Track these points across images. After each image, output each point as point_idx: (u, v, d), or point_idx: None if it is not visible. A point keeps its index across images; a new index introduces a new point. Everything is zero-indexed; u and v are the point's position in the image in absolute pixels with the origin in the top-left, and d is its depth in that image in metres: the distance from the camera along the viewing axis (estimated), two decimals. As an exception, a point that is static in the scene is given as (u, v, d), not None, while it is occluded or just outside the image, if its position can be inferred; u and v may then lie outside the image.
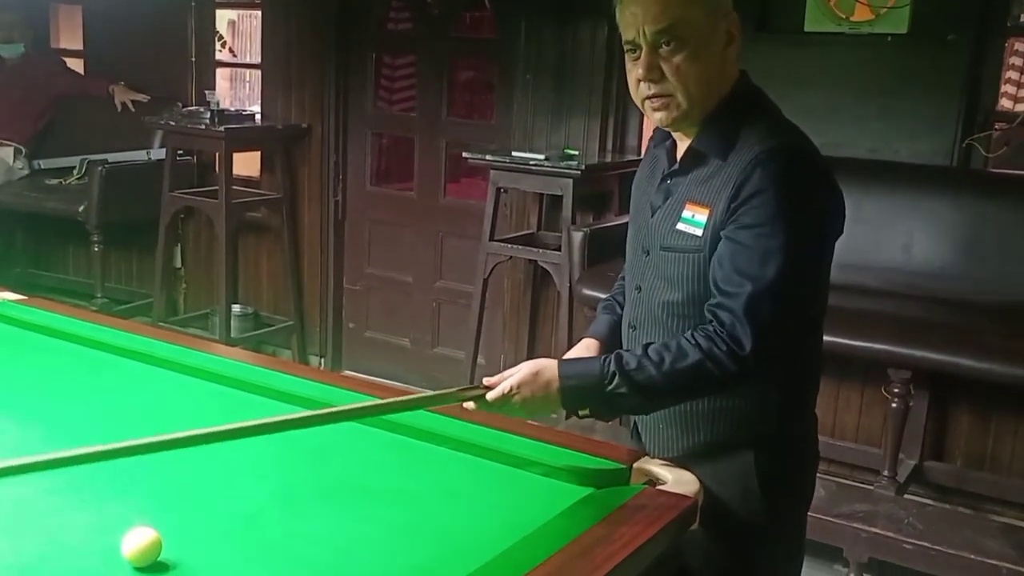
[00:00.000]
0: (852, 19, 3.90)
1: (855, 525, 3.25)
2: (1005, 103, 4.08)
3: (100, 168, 5.17)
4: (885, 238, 3.71)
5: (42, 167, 5.76)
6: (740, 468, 1.78)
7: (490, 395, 1.72)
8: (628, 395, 1.66)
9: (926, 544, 3.17)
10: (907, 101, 3.87)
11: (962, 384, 3.64)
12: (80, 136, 5.74)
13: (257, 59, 5.56)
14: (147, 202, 5.21)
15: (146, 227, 5.36)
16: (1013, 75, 4.38)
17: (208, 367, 2.25)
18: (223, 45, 6.02)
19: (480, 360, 4.60)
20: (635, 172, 2.04)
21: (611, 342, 1.98)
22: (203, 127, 4.99)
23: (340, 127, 5.22)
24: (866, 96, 3.94)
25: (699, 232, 1.72)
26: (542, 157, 4.15)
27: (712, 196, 1.71)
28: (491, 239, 4.32)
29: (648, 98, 1.73)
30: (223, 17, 5.93)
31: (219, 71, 5.82)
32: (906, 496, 3.53)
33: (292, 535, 1.56)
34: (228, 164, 4.96)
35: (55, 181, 5.56)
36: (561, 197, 4.15)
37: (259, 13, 5.42)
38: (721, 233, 1.68)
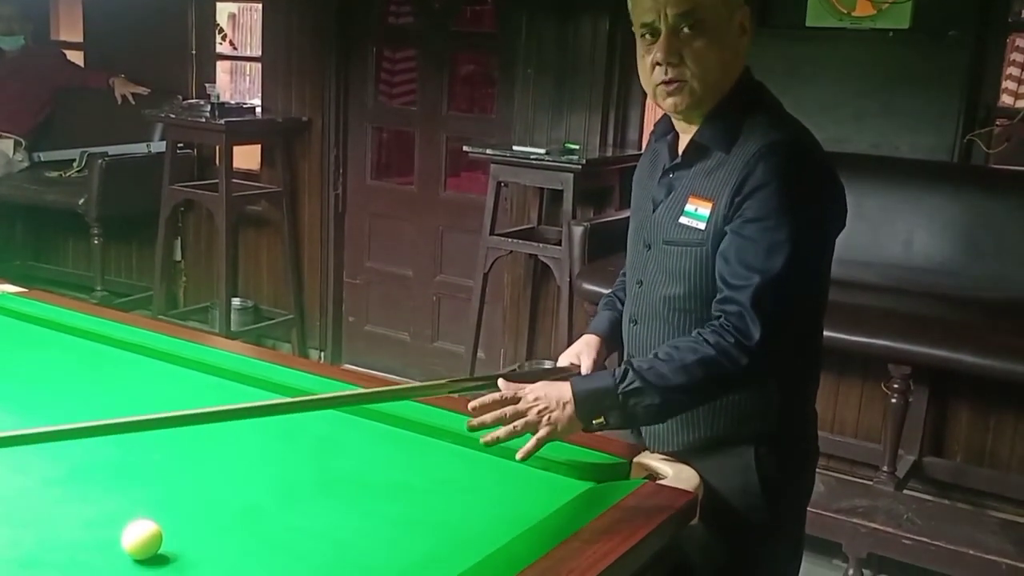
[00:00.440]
0: (854, 14, 3.90)
1: (854, 520, 3.25)
2: (1006, 99, 4.07)
3: (100, 161, 5.16)
4: (885, 234, 3.71)
5: (42, 160, 5.74)
6: (740, 463, 1.77)
7: (502, 382, 1.70)
8: (642, 392, 1.64)
9: (925, 540, 3.17)
10: (908, 97, 3.87)
11: (962, 380, 3.65)
12: (80, 129, 5.73)
13: (257, 51, 5.55)
14: (147, 195, 5.21)
15: (146, 220, 5.36)
16: (1014, 71, 4.36)
17: (208, 360, 2.25)
18: (223, 38, 6.00)
19: (480, 354, 4.60)
20: (636, 167, 2.04)
21: (612, 338, 1.98)
22: (203, 120, 4.98)
23: (340, 121, 5.21)
24: (867, 91, 3.93)
25: (702, 226, 1.72)
26: (543, 151, 4.14)
27: (715, 190, 1.71)
28: (491, 233, 4.32)
29: (663, 83, 1.73)
30: (223, 10, 5.91)
31: (219, 64, 5.80)
32: (905, 492, 3.54)
33: (292, 528, 1.57)
34: (228, 157, 4.95)
35: (55, 174, 5.55)
36: (562, 191, 4.15)
37: (259, 6, 5.41)
38: (725, 228, 1.68)
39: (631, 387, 1.64)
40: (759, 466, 1.77)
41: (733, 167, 1.69)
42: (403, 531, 1.58)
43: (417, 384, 1.82)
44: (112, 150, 5.35)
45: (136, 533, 1.41)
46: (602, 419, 1.69)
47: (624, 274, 2.04)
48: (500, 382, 1.72)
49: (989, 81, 3.86)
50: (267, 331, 5.49)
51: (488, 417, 1.64)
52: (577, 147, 4.27)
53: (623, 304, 2.00)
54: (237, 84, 7.18)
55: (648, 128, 4.53)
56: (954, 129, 3.82)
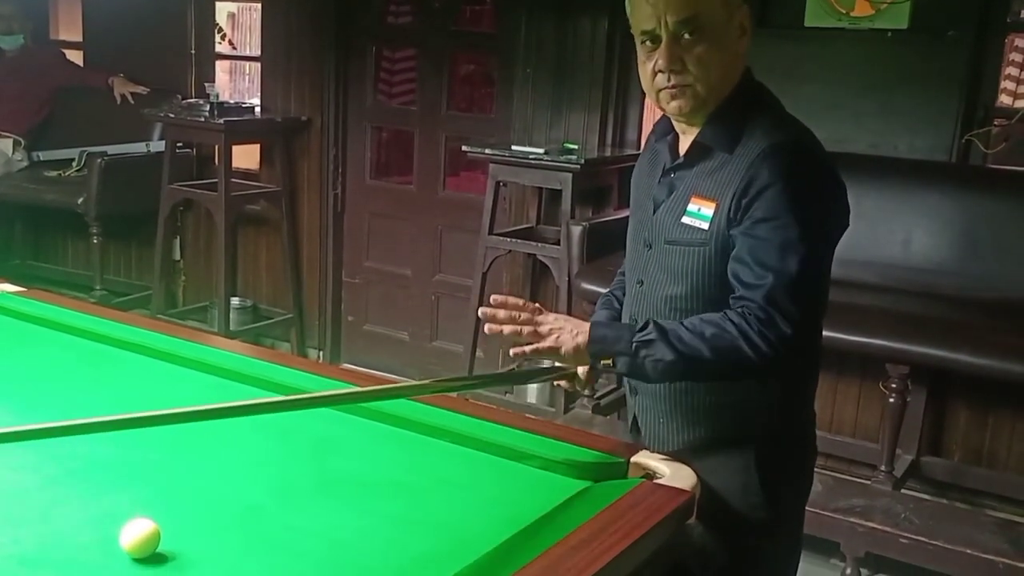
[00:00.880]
0: (852, 14, 3.90)
1: (852, 520, 3.26)
2: (1004, 99, 4.07)
3: (99, 160, 5.17)
4: (884, 234, 3.72)
5: (41, 159, 5.75)
6: (740, 462, 1.78)
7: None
8: (655, 344, 1.67)
9: (923, 539, 3.17)
10: (907, 97, 3.87)
11: (960, 380, 3.66)
12: (79, 128, 5.73)
13: (256, 51, 5.56)
14: (146, 194, 5.21)
15: (145, 219, 5.36)
16: (1013, 71, 4.36)
17: (207, 359, 2.25)
18: (223, 37, 6.00)
19: (479, 354, 4.60)
20: (634, 166, 2.04)
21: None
22: (202, 119, 4.98)
23: (340, 120, 5.22)
24: (866, 92, 3.94)
25: (705, 226, 1.73)
26: (541, 151, 4.15)
27: (719, 189, 1.71)
28: (490, 233, 4.32)
29: (666, 88, 1.74)
30: (222, 9, 5.91)
31: (218, 63, 5.81)
32: (903, 491, 3.54)
33: (290, 527, 1.57)
34: (227, 157, 4.96)
35: (54, 173, 5.56)
36: (560, 191, 4.15)
37: (258, 5, 5.42)
38: (733, 231, 1.69)
39: (646, 337, 1.67)
40: (759, 466, 1.78)
41: (737, 167, 1.69)
42: (401, 530, 1.58)
43: (438, 380, 1.83)
44: (111, 149, 5.35)
45: (135, 532, 1.41)
46: (610, 361, 1.72)
47: (623, 273, 2.05)
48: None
49: (987, 81, 3.87)
50: (266, 330, 5.50)
51: (507, 327, 1.75)
52: (576, 147, 4.27)
53: (621, 303, 2.00)
54: (236, 83, 7.19)
55: (647, 127, 4.53)
56: (952, 129, 3.82)
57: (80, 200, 5.23)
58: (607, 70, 4.43)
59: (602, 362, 1.73)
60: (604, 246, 3.81)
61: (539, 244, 4.30)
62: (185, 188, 5.22)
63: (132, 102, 5.56)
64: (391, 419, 1.93)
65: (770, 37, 3.94)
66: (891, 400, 3.41)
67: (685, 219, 1.76)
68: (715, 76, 1.72)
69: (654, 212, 1.84)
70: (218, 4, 5.70)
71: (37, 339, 2.41)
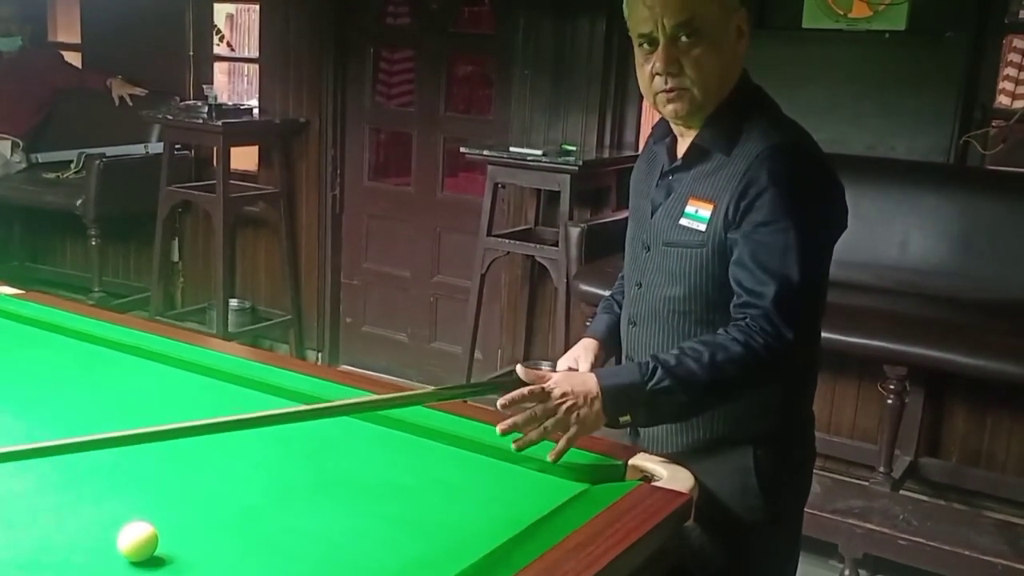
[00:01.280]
0: (850, 15, 3.91)
1: (850, 521, 3.26)
2: (1002, 100, 4.08)
3: (98, 162, 5.17)
4: (881, 235, 3.72)
5: (39, 161, 5.75)
6: (739, 464, 1.78)
7: (520, 369, 1.69)
8: (670, 391, 1.63)
9: (921, 540, 3.18)
10: (904, 98, 3.88)
11: (958, 381, 3.66)
12: (78, 130, 5.73)
13: (254, 52, 5.56)
14: (145, 196, 5.21)
15: (143, 221, 5.36)
16: (1011, 72, 4.37)
17: (205, 362, 2.25)
18: (221, 39, 6.01)
19: (477, 355, 4.61)
20: (632, 168, 2.04)
21: (610, 341, 1.99)
22: (201, 121, 4.98)
23: (338, 122, 5.22)
24: (863, 93, 3.94)
25: (703, 227, 1.72)
26: (540, 153, 4.15)
27: (717, 191, 1.71)
28: (489, 234, 4.32)
29: (663, 92, 1.73)
30: (220, 10, 5.91)
31: (216, 65, 5.81)
32: (901, 492, 3.54)
33: (288, 530, 1.57)
34: (226, 158, 4.96)
35: (53, 175, 5.56)
36: (559, 192, 4.15)
37: (256, 7, 5.42)
38: (731, 235, 1.69)
39: (660, 385, 1.63)
40: (757, 467, 1.77)
41: (735, 169, 1.69)
42: (398, 532, 1.58)
43: (434, 389, 1.81)
44: (110, 151, 5.36)
45: (132, 535, 1.41)
46: (628, 416, 1.68)
47: (623, 276, 2.05)
48: (519, 369, 1.71)
49: (985, 82, 3.88)
50: (264, 332, 5.50)
51: (520, 419, 1.63)
52: (574, 148, 4.28)
53: (620, 307, 2.00)
54: (235, 85, 7.19)
55: (644, 129, 4.53)
56: (950, 130, 3.83)
57: (79, 202, 5.23)
58: (605, 71, 4.43)
59: (622, 419, 1.69)
60: (602, 247, 3.81)
61: (537, 245, 4.30)
62: (183, 190, 5.22)
63: (130, 104, 5.56)
64: (387, 421, 1.93)
65: (768, 38, 3.94)
66: (889, 401, 3.41)
67: (683, 221, 1.76)
68: (712, 79, 1.72)
69: (652, 214, 1.84)
70: (216, 5, 5.70)
71: (36, 342, 2.41)
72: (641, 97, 4.33)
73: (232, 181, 5.07)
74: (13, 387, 2.13)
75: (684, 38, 1.69)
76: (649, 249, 1.85)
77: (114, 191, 5.22)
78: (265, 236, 5.47)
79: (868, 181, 3.72)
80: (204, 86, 5.30)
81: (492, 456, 1.81)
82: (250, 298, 5.56)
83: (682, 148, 1.84)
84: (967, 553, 3.12)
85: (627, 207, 2.03)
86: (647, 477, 1.71)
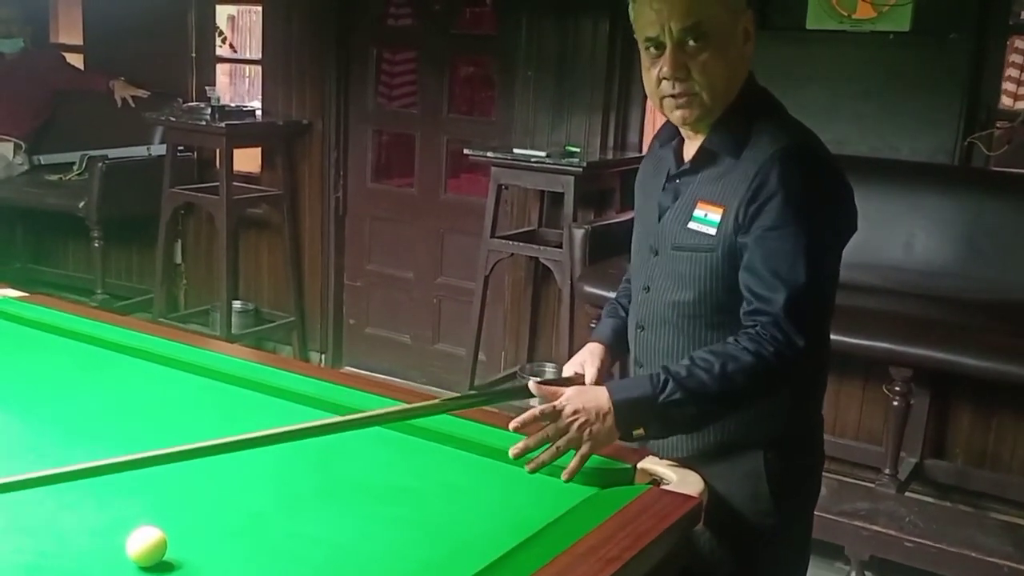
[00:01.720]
0: (854, 16, 3.90)
1: (856, 523, 3.25)
2: (1006, 101, 4.08)
3: (100, 164, 5.17)
4: (886, 236, 3.71)
5: (42, 163, 5.75)
6: (749, 469, 1.77)
7: (533, 385, 1.70)
8: (682, 402, 1.62)
9: (927, 542, 3.17)
10: (908, 99, 3.87)
11: (963, 382, 3.65)
12: (80, 132, 5.73)
13: (256, 53, 5.56)
14: (147, 198, 5.21)
15: (146, 223, 5.36)
16: (1014, 73, 4.37)
17: (209, 364, 2.25)
18: (223, 41, 6.00)
19: (481, 357, 4.60)
20: (636, 169, 2.04)
21: (616, 345, 1.98)
22: (204, 123, 4.98)
23: (341, 123, 5.21)
24: (867, 94, 3.94)
25: (712, 231, 1.72)
26: (543, 154, 4.14)
27: (726, 195, 1.71)
28: (492, 236, 4.32)
29: (671, 96, 1.73)
30: (222, 12, 5.91)
31: (218, 66, 5.80)
32: (907, 494, 3.54)
33: (295, 534, 1.57)
34: (229, 160, 4.95)
35: (55, 177, 5.55)
36: (562, 194, 4.15)
37: (258, 8, 5.41)
38: (741, 239, 1.68)
39: (672, 398, 1.62)
40: (768, 471, 1.77)
41: (744, 173, 1.69)
42: (406, 537, 1.58)
43: (448, 399, 1.79)
44: (112, 153, 5.35)
45: (141, 540, 1.41)
46: (641, 430, 1.67)
47: (628, 281, 2.04)
48: (531, 385, 1.71)
49: (989, 83, 3.87)
50: (268, 334, 5.49)
51: (532, 441, 1.62)
52: (578, 150, 4.27)
53: (626, 310, 2.00)
54: (237, 86, 7.19)
55: (648, 130, 4.53)
56: (954, 132, 3.82)
57: (81, 204, 5.23)
58: (608, 72, 4.43)
59: (635, 432, 1.68)
60: (606, 249, 3.80)
61: (541, 247, 4.29)
62: (186, 192, 5.21)
63: (133, 105, 5.55)
64: (393, 424, 1.93)
65: (771, 39, 3.93)
66: (895, 403, 3.41)
67: (691, 224, 1.76)
68: (720, 83, 1.71)
69: (660, 219, 1.83)
70: (218, 7, 5.69)
71: (39, 344, 2.41)
72: (645, 98, 4.33)
73: (235, 183, 5.06)
74: (18, 389, 2.13)
75: (691, 42, 1.68)
76: (657, 253, 1.84)
77: (117, 193, 5.21)
78: (268, 238, 5.47)
79: (872, 182, 3.71)
80: (207, 88, 5.29)
81: (499, 459, 1.81)
82: (253, 300, 5.55)
83: (689, 151, 1.84)
84: (973, 555, 3.11)
85: (631, 208, 2.02)
86: (656, 481, 1.70)
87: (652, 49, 1.73)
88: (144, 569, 1.41)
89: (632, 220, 2.01)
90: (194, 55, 5.56)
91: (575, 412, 1.63)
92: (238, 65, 6.48)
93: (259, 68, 5.51)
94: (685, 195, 1.80)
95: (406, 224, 5.21)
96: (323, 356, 5.44)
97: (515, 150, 4.25)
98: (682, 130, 1.84)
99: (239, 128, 5.03)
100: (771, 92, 1.82)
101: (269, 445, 1.56)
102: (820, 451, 1.91)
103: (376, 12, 5.18)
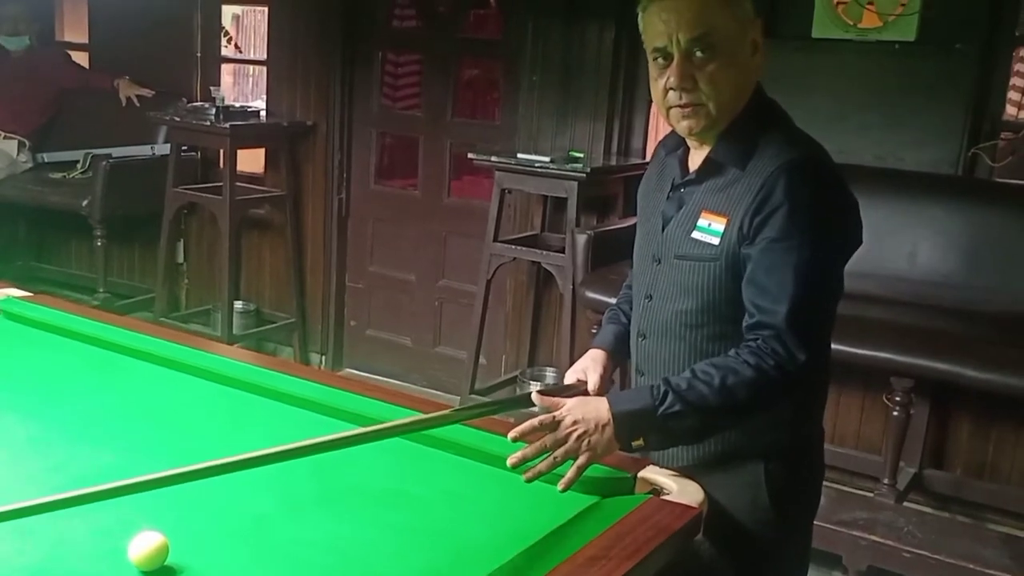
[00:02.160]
0: (860, 26, 3.91)
1: (855, 533, 3.25)
2: (1011, 112, 4.07)
3: (104, 162, 5.17)
4: (889, 246, 3.71)
5: (46, 161, 5.75)
6: (750, 478, 1.78)
7: (535, 396, 1.71)
8: (682, 415, 1.63)
9: (925, 553, 3.17)
10: (913, 109, 3.87)
11: (963, 393, 3.64)
12: (84, 130, 5.73)
13: (260, 52, 5.56)
14: (150, 197, 5.21)
15: (149, 222, 5.36)
16: (1020, 82, 4.37)
17: (211, 367, 2.26)
18: (228, 41, 6.01)
19: (482, 360, 4.61)
20: (640, 175, 2.04)
21: (618, 352, 1.98)
22: (208, 123, 4.98)
23: (345, 125, 5.21)
24: (872, 103, 3.94)
25: (715, 241, 1.72)
26: (547, 159, 4.15)
27: (731, 205, 1.71)
28: (495, 240, 4.32)
29: (677, 106, 1.73)
30: (226, 11, 5.91)
31: (223, 66, 5.80)
32: (906, 504, 3.54)
33: (297, 539, 1.57)
34: (232, 161, 4.95)
35: (59, 175, 5.56)
36: (566, 199, 4.15)
37: (262, 8, 5.41)
38: (746, 251, 1.68)
39: (672, 410, 1.63)
40: (768, 481, 1.77)
41: (749, 184, 1.69)
42: (407, 543, 1.58)
43: (451, 412, 1.78)
44: (116, 152, 5.35)
45: (143, 544, 1.41)
46: (641, 441, 1.68)
47: (628, 287, 2.04)
48: (534, 396, 1.73)
49: (994, 94, 3.87)
50: (269, 334, 5.50)
51: (530, 450, 1.63)
52: (582, 155, 4.27)
53: (627, 317, 2.00)
54: (241, 86, 7.20)
55: (652, 136, 4.53)
56: (959, 142, 3.82)
57: (84, 202, 5.23)
58: (613, 78, 4.43)
59: (634, 443, 1.69)
60: (609, 255, 3.81)
61: (544, 252, 4.29)
62: (189, 191, 5.22)
63: (137, 104, 5.56)
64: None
65: (777, 48, 3.93)
66: (895, 413, 3.41)
67: (695, 234, 1.76)
68: (727, 95, 1.72)
69: (663, 228, 1.84)
70: (223, 6, 5.70)
71: (42, 344, 2.41)
72: (649, 104, 4.35)
73: (238, 183, 5.06)
74: (21, 390, 2.13)
75: (699, 53, 1.69)
76: (660, 262, 1.84)
77: (120, 192, 5.22)
78: (270, 238, 5.47)
79: (876, 192, 3.71)
80: (211, 88, 5.30)
81: (500, 467, 1.80)
82: (255, 300, 5.55)
83: (695, 161, 1.84)
84: (971, 566, 3.11)
85: (634, 215, 2.03)
86: (656, 490, 1.71)
87: (660, 59, 1.73)
88: (146, 573, 1.41)
89: (635, 226, 2.01)
90: (199, 55, 5.57)
91: (574, 423, 1.64)
92: (242, 65, 6.48)
93: (261, 68, 5.50)
94: (689, 204, 1.80)
95: (409, 226, 5.21)
96: (323, 357, 5.44)
97: (519, 155, 4.25)
98: (688, 140, 1.84)
99: (243, 129, 5.04)
100: (778, 103, 1.83)
101: (278, 462, 1.55)
102: (820, 462, 1.92)
103: (381, 14, 5.18)
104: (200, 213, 5.56)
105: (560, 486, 1.63)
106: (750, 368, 1.63)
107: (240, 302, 5.44)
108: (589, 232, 3.92)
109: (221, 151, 5.18)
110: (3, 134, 5.63)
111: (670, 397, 1.63)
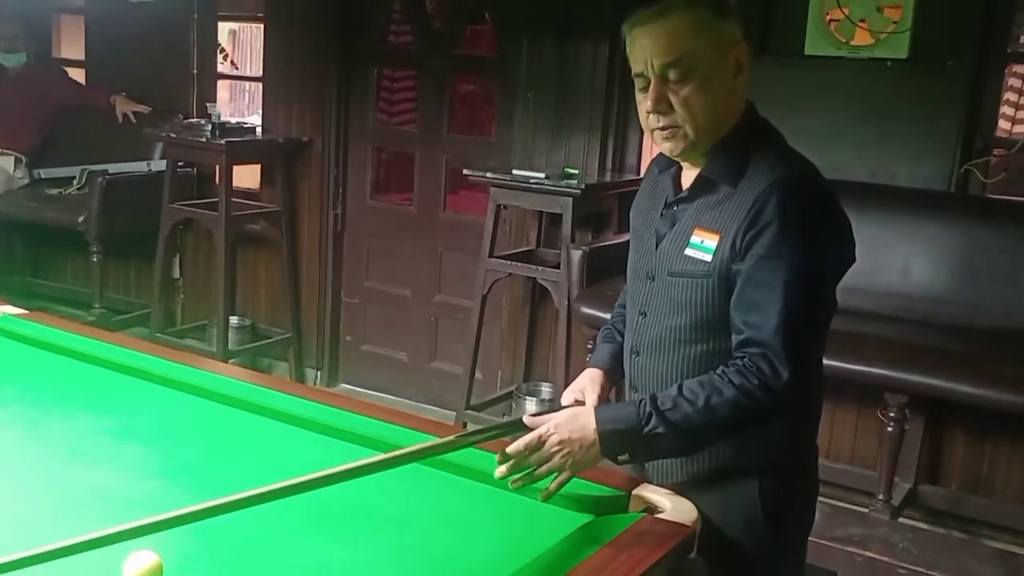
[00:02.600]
0: (852, 43, 3.93)
1: (850, 549, 3.25)
2: (1003, 128, 4.10)
3: (100, 179, 5.18)
4: (882, 262, 3.73)
5: (42, 177, 5.75)
6: (744, 495, 1.78)
7: (527, 419, 1.73)
8: (666, 435, 1.67)
9: (921, 569, 3.17)
10: (906, 126, 3.89)
11: (958, 409, 3.65)
12: (81, 146, 5.74)
13: (256, 67, 5.57)
14: (147, 213, 5.21)
15: (145, 238, 5.36)
16: (1012, 99, 4.40)
17: (206, 384, 2.26)
18: (224, 57, 6.02)
19: (477, 375, 4.61)
20: (634, 192, 2.05)
21: (615, 371, 1.99)
22: (204, 139, 4.99)
23: (341, 141, 5.23)
24: (865, 120, 3.96)
25: (708, 258, 1.73)
26: (542, 175, 4.16)
27: (723, 222, 1.72)
28: (490, 255, 4.33)
29: (658, 129, 1.76)
30: (223, 27, 5.93)
31: (219, 82, 5.82)
32: (901, 520, 3.54)
33: (292, 560, 1.57)
34: (228, 177, 4.96)
35: (55, 191, 5.56)
36: (561, 215, 4.16)
37: (259, 24, 5.43)
38: (736, 268, 1.70)
39: (656, 431, 1.67)
40: (763, 498, 1.78)
41: (741, 201, 1.70)
42: (402, 563, 1.58)
43: (443, 441, 1.78)
44: (112, 168, 5.36)
45: (137, 564, 1.41)
46: (627, 456, 1.73)
47: (622, 306, 2.05)
48: (525, 418, 1.75)
49: (987, 111, 3.89)
50: (264, 350, 5.50)
51: (515, 465, 1.68)
52: (576, 171, 4.29)
53: (622, 335, 2.01)
54: (237, 103, 7.22)
55: (646, 153, 4.55)
56: (951, 158, 3.84)
57: (81, 218, 5.24)
58: (607, 95, 4.45)
59: (620, 458, 1.74)
60: (604, 270, 3.82)
61: (539, 267, 4.31)
62: (185, 207, 5.22)
63: (134, 121, 5.57)
64: (389, 449, 1.93)
65: (770, 65, 3.96)
66: (889, 428, 3.42)
67: (688, 251, 1.77)
68: (702, 117, 1.73)
69: (657, 245, 1.85)
70: (220, 22, 5.71)
71: (39, 362, 2.42)
72: (643, 121, 4.36)
73: (234, 199, 5.07)
74: (18, 408, 2.13)
75: (673, 77, 1.71)
76: (653, 279, 1.85)
77: (116, 208, 5.23)
78: (266, 254, 5.48)
79: (869, 208, 3.73)
80: (207, 104, 5.31)
81: (495, 485, 1.81)
82: (250, 316, 5.55)
83: (687, 179, 1.85)
84: (966, 582, 3.12)
85: (628, 231, 2.04)
86: (651, 508, 1.71)
87: (641, 84, 1.76)
88: (140, 593, 1.41)
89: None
90: (195, 71, 5.58)
91: (560, 442, 1.68)
92: (238, 81, 6.49)
93: (257, 84, 5.52)
94: (682, 222, 1.82)
95: (404, 242, 5.22)
96: (319, 373, 5.45)
97: (514, 171, 4.27)
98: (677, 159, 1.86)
99: (239, 145, 5.05)
100: (770, 122, 1.84)
101: (284, 497, 1.55)
102: (815, 478, 1.92)
103: (377, 30, 5.20)
104: (196, 229, 5.57)
105: (541, 496, 1.68)
106: (733, 388, 1.65)
107: (236, 317, 5.44)
108: (584, 248, 3.93)
109: (217, 167, 5.20)
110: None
111: (654, 419, 1.67)
